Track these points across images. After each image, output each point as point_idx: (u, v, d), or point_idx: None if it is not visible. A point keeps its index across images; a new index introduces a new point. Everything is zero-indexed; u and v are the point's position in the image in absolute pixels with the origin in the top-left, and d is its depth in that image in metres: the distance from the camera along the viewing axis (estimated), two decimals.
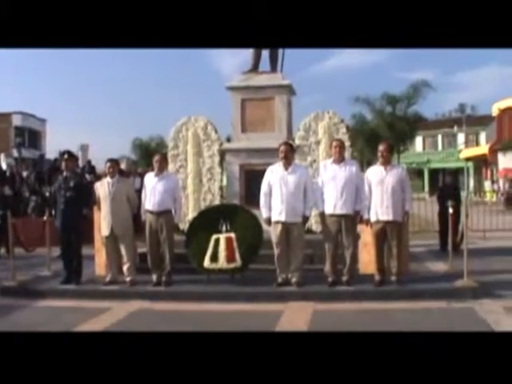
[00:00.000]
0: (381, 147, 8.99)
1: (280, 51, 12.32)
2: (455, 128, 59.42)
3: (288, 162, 8.99)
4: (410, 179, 9.39)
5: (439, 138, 67.37)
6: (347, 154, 10.05)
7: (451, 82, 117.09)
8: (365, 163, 36.26)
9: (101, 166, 16.13)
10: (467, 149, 58.11)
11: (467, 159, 55.60)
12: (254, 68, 12.19)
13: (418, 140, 64.36)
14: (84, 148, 30.43)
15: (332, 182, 8.91)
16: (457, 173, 25.32)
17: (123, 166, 12.65)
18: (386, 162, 8.94)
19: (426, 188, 58.48)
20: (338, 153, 9.01)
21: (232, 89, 11.94)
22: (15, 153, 36.46)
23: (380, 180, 8.82)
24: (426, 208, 17.36)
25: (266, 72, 12.18)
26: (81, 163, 21.08)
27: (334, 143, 9.16)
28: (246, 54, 12.41)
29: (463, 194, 17.48)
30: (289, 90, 12.04)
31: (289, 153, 9.04)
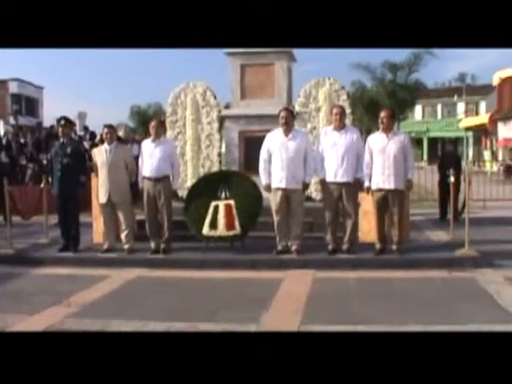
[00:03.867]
0: (382, 114, 8.83)
1: None
2: (455, 97, 59.16)
3: (288, 128, 8.86)
4: None
5: (439, 106, 67.20)
6: (348, 121, 9.89)
7: (452, 50, 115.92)
8: (364, 131, 36.14)
9: (99, 133, 16.04)
10: (467, 118, 57.88)
11: (467, 129, 55.39)
12: None
13: (418, 109, 64.20)
14: (82, 116, 30.25)
15: (332, 149, 8.79)
16: (457, 142, 25.16)
17: (121, 133, 12.54)
18: (388, 129, 8.78)
19: (425, 157, 58.39)
20: (338, 120, 8.87)
21: (231, 54, 11.72)
22: (12, 120, 36.22)
23: (382, 148, 8.69)
24: (425, 177, 17.26)
25: None
26: (78, 131, 20.95)
27: (335, 110, 9.01)
28: None
29: (463, 163, 17.34)
30: (289, 56, 11.84)
31: (289, 119, 8.91)
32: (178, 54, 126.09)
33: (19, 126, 29.34)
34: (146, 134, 11.80)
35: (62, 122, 9.82)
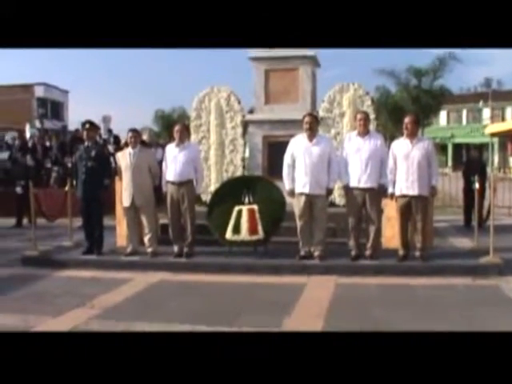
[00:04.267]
0: (406, 119, 8.80)
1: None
2: (480, 103, 58.64)
3: (312, 133, 8.86)
4: None
5: (464, 112, 66.74)
6: (372, 127, 9.85)
7: (477, 55, 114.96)
8: (388, 137, 36.01)
9: (123, 136, 16.17)
10: (492, 124, 57.30)
11: (492, 135, 54.60)
12: None
13: (443, 114, 63.86)
14: (106, 119, 30.45)
15: (356, 154, 8.77)
16: (482, 148, 25.05)
17: (145, 137, 12.63)
18: (412, 135, 8.75)
19: (450, 163, 57.97)
20: (362, 125, 8.85)
21: (255, 59, 11.75)
22: (38, 124, 36.53)
23: (406, 153, 8.65)
24: (449, 183, 17.18)
25: None
26: (103, 134, 21.11)
27: (359, 115, 9.00)
28: None
29: (488, 169, 17.20)
30: (313, 61, 11.84)
31: (314, 124, 8.90)
32: (203, 58, 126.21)
33: (45, 130, 29.63)
34: (170, 138, 11.87)
35: (87, 126, 9.90)
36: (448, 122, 67.39)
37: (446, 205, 16.70)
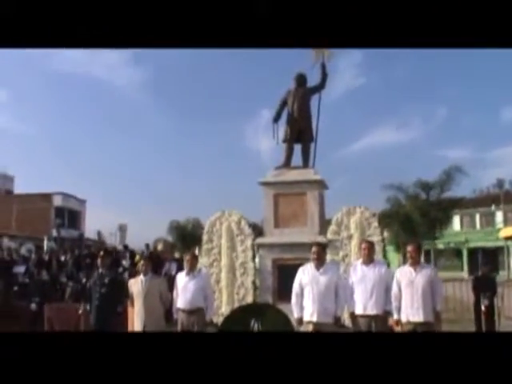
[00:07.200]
0: (409, 248, 9.04)
1: (312, 146, 12.61)
2: (493, 207, 58.96)
3: (320, 262, 9.07)
4: (448, 259, 9.43)
5: (477, 216, 66.73)
6: (378, 248, 10.09)
7: (488, 157, 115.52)
8: (401, 244, 36.02)
9: (138, 245, 16.45)
10: (506, 227, 57.32)
11: (507, 238, 54.75)
12: (287, 163, 12.48)
13: (456, 219, 63.88)
14: (122, 228, 31.01)
15: (362, 283, 8.97)
16: (495, 254, 25.00)
17: (160, 247, 12.95)
18: (416, 263, 8.97)
19: (465, 267, 57.61)
20: (367, 254, 9.11)
21: (265, 184, 12.21)
22: (55, 233, 37.14)
23: (410, 281, 8.85)
24: (461, 289, 16.96)
25: (297, 167, 12.46)
26: (119, 243, 21.45)
27: (363, 245, 9.27)
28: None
29: (504, 273, 17.06)
30: (320, 185, 12.27)
31: (321, 253, 9.14)
32: (217, 178, 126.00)
33: (61, 239, 30.11)
34: (185, 251, 12.15)
35: (101, 254, 10.30)
36: (461, 226, 67.35)
37: (460, 318, 16.50)
